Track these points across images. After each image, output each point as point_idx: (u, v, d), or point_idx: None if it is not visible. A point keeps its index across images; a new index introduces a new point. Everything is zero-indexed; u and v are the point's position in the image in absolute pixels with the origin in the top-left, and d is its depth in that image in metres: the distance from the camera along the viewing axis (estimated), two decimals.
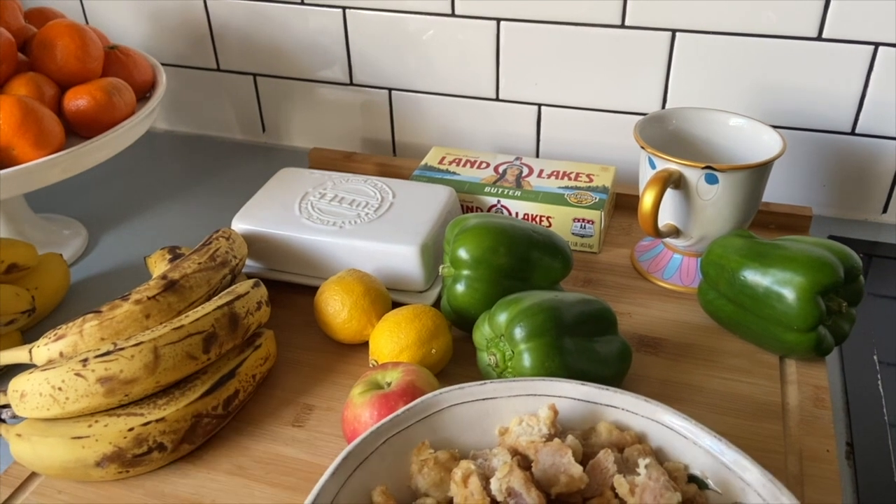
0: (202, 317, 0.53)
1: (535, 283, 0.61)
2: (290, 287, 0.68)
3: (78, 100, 0.68)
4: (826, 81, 0.75)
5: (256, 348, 0.57)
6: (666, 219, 0.66)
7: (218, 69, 0.98)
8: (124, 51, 0.75)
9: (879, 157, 0.77)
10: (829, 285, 0.55)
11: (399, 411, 0.46)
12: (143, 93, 0.76)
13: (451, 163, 0.81)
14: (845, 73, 0.74)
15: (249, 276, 0.67)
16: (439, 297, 0.66)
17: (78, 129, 0.69)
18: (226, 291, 0.56)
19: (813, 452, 0.52)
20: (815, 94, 0.75)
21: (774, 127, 0.67)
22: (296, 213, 0.69)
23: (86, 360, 0.49)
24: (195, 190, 0.89)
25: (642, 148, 0.65)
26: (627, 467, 0.43)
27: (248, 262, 0.69)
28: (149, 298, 0.54)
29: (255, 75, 0.97)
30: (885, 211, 0.80)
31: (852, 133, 0.76)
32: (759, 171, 0.62)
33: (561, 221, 0.74)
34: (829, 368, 0.61)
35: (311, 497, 0.40)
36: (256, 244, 0.68)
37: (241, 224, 0.68)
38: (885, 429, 0.56)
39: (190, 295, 0.56)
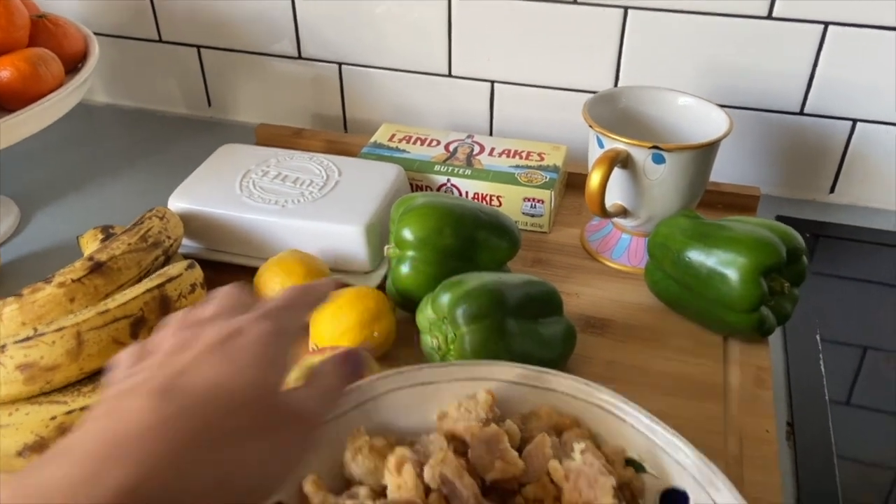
0: (130, 300, 0.51)
1: (482, 263, 0.60)
2: (230, 268, 0.66)
3: (1, 71, 0.64)
4: (776, 61, 0.74)
5: None
6: (614, 199, 0.65)
7: (160, 40, 0.94)
8: (53, 20, 0.71)
9: (828, 137, 0.77)
10: (771, 266, 0.55)
11: None
12: (75, 64, 0.73)
13: (401, 140, 0.79)
14: (795, 53, 0.73)
15: (186, 258, 0.64)
16: (385, 279, 0.64)
17: (2, 102, 0.65)
18: (157, 274, 0.54)
19: (753, 433, 0.52)
20: (765, 74, 0.75)
21: (724, 106, 0.67)
22: (236, 191, 0.67)
23: (4, 346, 0.46)
24: (136, 166, 0.86)
25: (590, 127, 0.64)
26: (565, 452, 0.42)
27: (186, 242, 0.67)
28: (73, 281, 0.51)
29: (199, 47, 0.93)
30: (832, 191, 0.80)
31: (801, 113, 0.76)
32: (706, 151, 0.62)
33: (511, 201, 0.72)
34: (772, 348, 0.61)
35: None
36: (194, 223, 0.65)
37: (178, 202, 0.66)
38: (826, 408, 0.56)
39: (118, 277, 0.53)
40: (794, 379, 0.59)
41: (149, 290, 0.52)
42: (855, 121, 0.75)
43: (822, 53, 0.73)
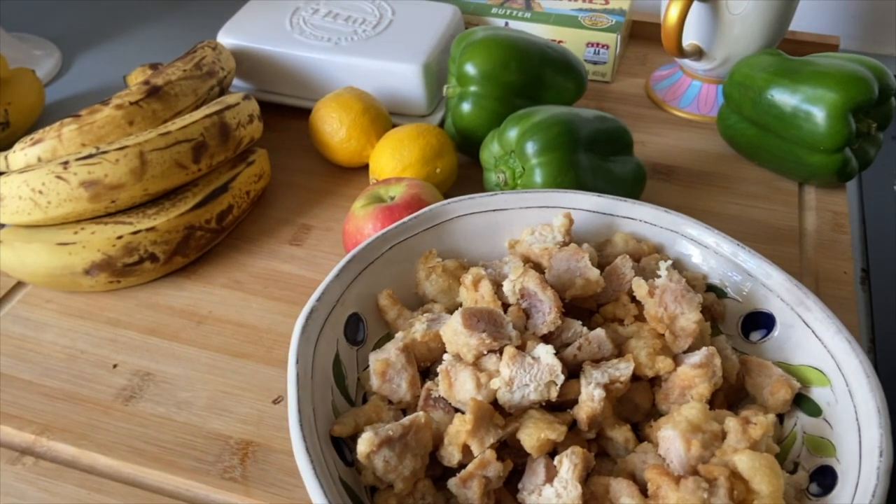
0: (190, 124, 0.49)
1: (547, 103, 0.57)
2: (283, 109, 0.63)
3: None
4: None
5: (250, 164, 0.53)
6: (690, 38, 0.61)
7: None
8: None
9: None
10: (862, 102, 0.51)
11: (406, 219, 0.43)
12: None
13: None
14: None
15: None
16: (443, 123, 0.62)
17: None
18: (215, 101, 0.52)
19: (830, 274, 0.50)
20: None
21: None
22: (287, 28, 0.63)
23: (66, 162, 0.45)
24: (180, 10, 0.82)
25: None
26: (645, 275, 0.41)
27: (237, 82, 0.64)
28: (131, 104, 0.50)
29: None
30: None
31: None
32: None
33: (573, 46, 0.68)
34: (848, 198, 0.58)
35: (315, 295, 0.38)
36: (245, 62, 0.63)
37: (227, 38, 0.63)
38: None
39: (175, 103, 0.52)
40: (870, 227, 0.57)
41: (208, 116, 0.50)
42: None
43: None
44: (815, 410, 0.36)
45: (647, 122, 0.65)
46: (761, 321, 0.40)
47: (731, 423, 0.33)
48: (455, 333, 0.36)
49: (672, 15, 0.56)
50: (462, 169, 0.58)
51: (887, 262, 0.54)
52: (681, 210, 0.56)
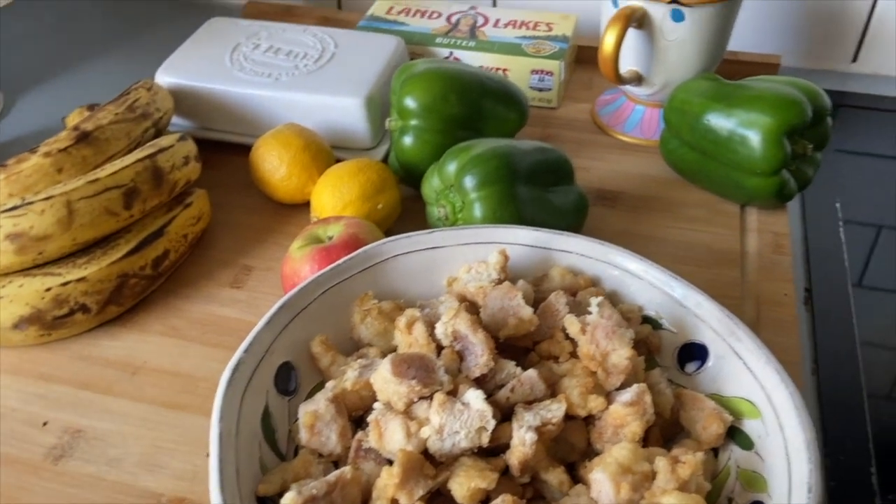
0: (121, 170, 0.48)
1: (489, 134, 0.57)
2: (225, 146, 0.63)
3: None
4: None
5: (187, 206, 0.52)
6: (628, 64, 0.61)
7: None
8: None
9: (850, 1, 0.72)
10: (795, 125, 0.52)
11: (340, 261, 0.43)
12: None
13: (399, 13, 0.74)
14: None
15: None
16: (387, 156, 0.61)
17: None
18: (148, 144, 0.51)
19: (771, 296, 0.51)
20: None
21: None
22: (227, 64, 0.63)
23: None
24: (121, 49, 0.81)
25: None
26: (580, 310, 0.41)
27: (177, 120, 0.63)
28: (59, 151, 0.49)
29: None
30: (854, 60, 0.76)
31: None
32: (728, 7, 0.58)
33: (518, 74, 0.69)
34: (790, 219, 0.59)
35: (242, 346, 0.37)
36: (185, 100, 0.62)
37: (166, 77, 0.62)
38: (846, 276, 0.55)
39: (107, 148, 0.51)
40: (813, 247, 0.57)
41: (140, 160, 0.49)
42: None
43: None
44: (747, 443, 0.36)
45: (592, 148, 0.65)
46: (695, 352, 0.40)
47: (661, 462, 0.32)
48: (385, 381, 0.35)
49: (608, 42, 0.57)
50: (408, 202, 0.58)
51: (829, 281, 0.55)
52: (625, 236, 0.56)
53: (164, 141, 0.52)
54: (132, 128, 0.53)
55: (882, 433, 0.45)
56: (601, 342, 0.37)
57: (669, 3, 0.56)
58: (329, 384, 0.37)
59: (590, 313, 0.38)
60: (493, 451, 0.35)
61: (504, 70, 0.69)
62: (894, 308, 0.55)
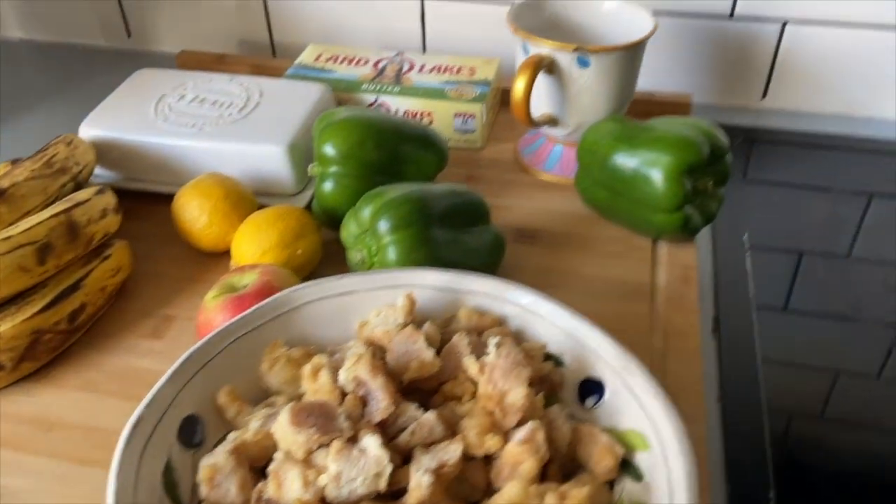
0: (34, 226, 0.48)
1: (409, 178, 0.58)
2: (150, 196, 0.63)
3: None
4: None
5: (105, 259, 0.53)
6: (542, 108, 0.64)
7: None
8: None
9: (758, 41, 0.76)
10: (694, 163, 0.54)
11: (249, 310, 0.44)
12: None
13: (327, 60, 0.76)
14: None
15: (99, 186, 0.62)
16: (312, 202, 0.63)
17: None
18: (65, 199, 0.52)
19: (678, 328, 0.53)
20: None
21: (655, 14, 0.65)
22: (151, 116, 0.64)
23: None
24: (52, 101, 0.82)
25: (514, 33, 0.62)
26: (483, 350, 0.42)
27: (103, 172, 0.64)
28: None
29: None
30: (764, 96, 0.80)
31: (731, 17, 0.75)
32: (631, 53, 0.61)
33: (442, 117, 0.71)
34: (700, 250, 0.61)
35: (144, 402, 0.37)
36: (109, 152, 0.62)
37: (90, 130, 0.63)
38: (750, 306, 0.57)
39: (22, 204, 0.51)
40: (721, 277, 0.60)
41: (55, 216, 0.49)
42: (784, 22, 0.75)
43: None
44: (638, 475, 0.37)
45: (515, 187, 0.67)
46: (594, 387, 0.41)
47: (549, 499, 0.34)
48: (284, 431, 0.36)
49: (518, 88, 0.59)
50: (332, 245, 0.59)
51: (736, 311, 0.57)
52: (544, 273, 0.58)
53: (81, 195, 0.52)
54: (49, 183, 0.53)
55: (780, 456, 0.47)
56: (498, 382, 0.38)
57: (575, 50, 0.59)
58: (231, 435, 0.38)
59: (488, 354, 0.39)
60: (395, 494, 0.36)
61: (429, 114, 0.71)
62: (804, 328, 0.57)
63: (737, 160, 0.58)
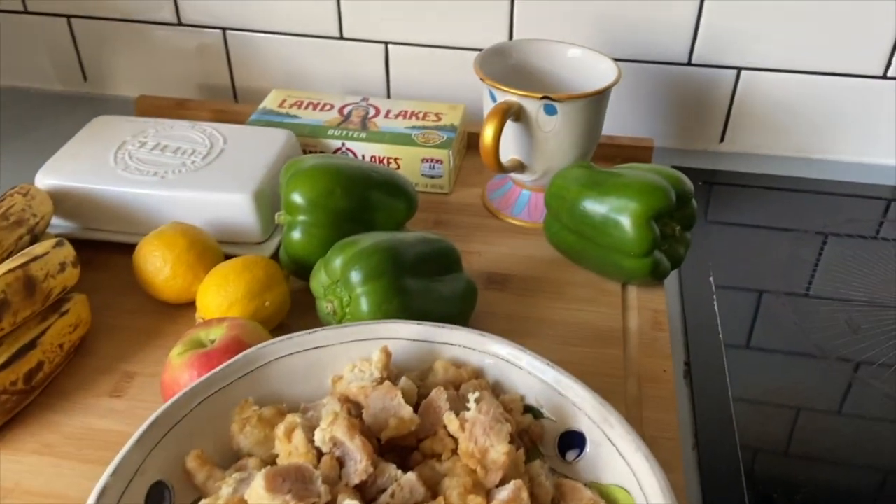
0: None
1: (379, 225, 0.58)
2: (108, 247, 0.61)
3: None
4: (662, 10, 0.75)
5: (63, 315, 0.51)
6: (510, 153, 0.64)
7: (26, 11, 0.87)
8: None
9: (715, 86, 0.79)
10: (661, 210, 0.55)
11: (217, 369, 0.42)
12: None
13: (292, 105, 0.76)
14: (679, 3, 0.74)
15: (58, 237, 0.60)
16: (279, 250, 0.61)
17: None
18: (21, 253, 0.50)
19: (651, 374, 0.53)
20: (653, 24, 0.76)
21: (618, 60, 0.67)
22: (111, 164, 0.62)
23: None
24: (6, 148, 0.79)
25: (482, 80, 0.62)
26: (462, 405, 0.41)
27: (60, 222, 0.62)
28: None
29: (69, 17, 0.87)
30: (722, 140, 0.82)
31: (689, 63, 0.78)
32: (597, 100, 0.62)
33: (409, 162, 0.71)
34: (669, 293, 0.62)
35: (109, 469, 0.35)
36: (66, 201, 0.60)
37: (47, 179, 0.61)
38: (721, 348, 0.58)
39: None
40: (690, 321, 0.60)
41: (11, 271, 0.47)
42: (739, 69, 0.77)
43: (705, 2, 0.74)
44: None
45: (483, 231, 0.67)
46: (574, 440, 0.41)
47: None
48: (259, 497, 0.34)
49: (487, 135, 0.60)
50: (300, 295, 0.57)
51: (706, 355, 0.57)
52: (515, 319, 0.58)
53: (38, 248, 0.50)
54: (5, 236, 0.51)
55: (756, 494, 0.47)
56: (479, 438, 0.38)
57: (542, 98, 0.60)
58: (202, 503, 0.36)
59: (469, 409, 0.39)
60: None
61: (396, 159, 0.71)
62: (772, 364, 0.58)
63: (698, 202, 0.59)
